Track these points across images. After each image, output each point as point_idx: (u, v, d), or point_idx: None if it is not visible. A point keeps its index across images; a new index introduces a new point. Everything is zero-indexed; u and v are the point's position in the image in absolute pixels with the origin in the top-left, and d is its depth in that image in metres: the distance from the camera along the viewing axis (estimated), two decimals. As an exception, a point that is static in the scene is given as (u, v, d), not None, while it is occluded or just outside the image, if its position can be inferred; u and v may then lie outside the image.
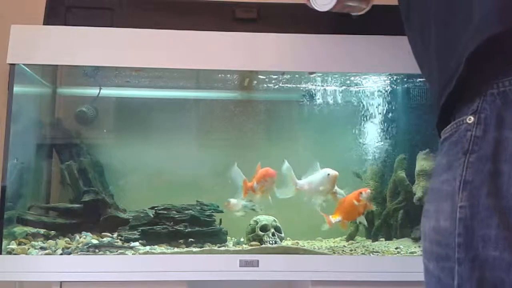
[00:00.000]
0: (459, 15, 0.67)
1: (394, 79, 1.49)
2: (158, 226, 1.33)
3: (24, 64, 1.29)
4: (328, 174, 1.31)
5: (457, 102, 0.68)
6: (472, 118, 0.63)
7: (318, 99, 1.55)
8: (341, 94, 1.55)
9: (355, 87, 1.55)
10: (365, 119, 1.54)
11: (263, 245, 1.32)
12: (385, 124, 1.53)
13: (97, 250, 1.24)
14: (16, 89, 1.26)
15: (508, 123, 0.60)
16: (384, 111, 1.53)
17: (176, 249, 1.28)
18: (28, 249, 1.24)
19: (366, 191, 1.33)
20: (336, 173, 1.31)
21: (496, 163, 0.60)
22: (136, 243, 1.30)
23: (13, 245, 1.24)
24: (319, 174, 1.33)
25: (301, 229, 1.45)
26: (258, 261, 1.21)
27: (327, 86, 1.54)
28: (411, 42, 0.84)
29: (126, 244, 1.29)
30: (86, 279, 1.18)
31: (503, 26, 0.60)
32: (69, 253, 1.22)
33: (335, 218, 1.34)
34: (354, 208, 1.33)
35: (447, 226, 0.64)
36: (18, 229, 1.31)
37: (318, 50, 1.30)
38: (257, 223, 1.36)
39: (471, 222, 0.61)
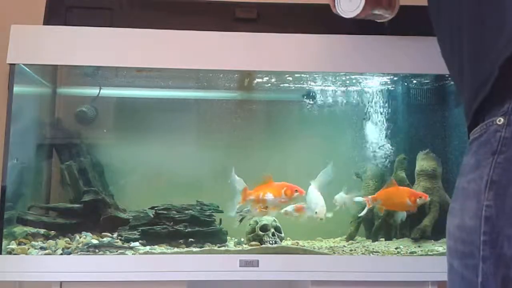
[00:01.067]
0: (492, 21, 0.68)
1: (395, 79, 1.49)
2: (158, 226, 1.33)
3: (24, 64, 1.29)
4: (316, 213, 1.30)
5: (487, 104, 0.69)
6: (502, 120, 0.65)
7: (318, 99, 1.55)
8: (341, 94, 1.55)
9: (355, 87, 1.55)
10: (365, 119, 1.54)
11: (263, 245, 1.32)
12: (385, 124, 1.53)
13: (97, 250, 1.24)
14: (16, 89, 1.26)
15: None
16: (384, 111, 1.53)
17: (176, 249, 1.28)
18: (28, 249, 1.24)
19: (425, 198, 1.33)
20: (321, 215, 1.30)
21: None
22: (136, 243, 1.30)
23: (13, 245, 1.24)
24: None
25: (301, 229, 1.45)
26: (258, 261, 1.21)
27: (327, 86, 1.54)
28: (441, 44, 0.85)
29: (126, 244, 1.29)
30: (86, 279, 1.18)
31: None
32: (69, 253, 1.22)
33: (375, 201, 1.35)
34: (402, 203, 1.33)
35: (472, 224, 0.65)
36: (18, 229, 1.31)
37: (318, 50, 1.31)
38: (257, 223, 1.36)
39: (497, 221, 0.62)
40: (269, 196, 1.29)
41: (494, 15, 0.68)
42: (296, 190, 1.28)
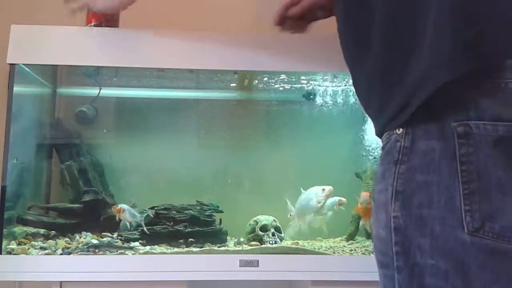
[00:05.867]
0: (414, 44, 0.64)
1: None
2: (158, 226, 1.33)
3: (24, 64, 1.29)
4: (323, 190, 1.33)
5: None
6: (401, 129, 0.64)
7: (318, 99, 1.55)
8: (340, 94, 1.55)
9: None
10: (365, 119, 1.54)
11: (263, 245, 1.32)
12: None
13: (97, 250, 1.24)
14: (16, 89, 1.26)
15: (434, 134, 0.61)
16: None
17: (176, 249, 1.28)
18: (28, 249, 1.24)
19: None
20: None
21: (425, 173, 0.61)
22: (136, 243, 1.30)
23: (13, 245, 1.24)
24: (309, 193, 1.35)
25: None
26: (258, 261, 1.21)
27: (326, 86, 1.54)
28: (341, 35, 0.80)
29: (126, 244, 1.29)
30: (86, 279, 1.18)
31: (454, 75, 0.59)
32: (69, 253, 1.22)
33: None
34: None
35: (384, 235, 0.65)
36: (18, 229, 1.31)
37: (318, 50, 1.30)
38: (257, 223, 1.37)
39: (406, 232, 0.62)
40: None
41: (398, 65, 0.64)
42: None
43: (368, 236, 1.41)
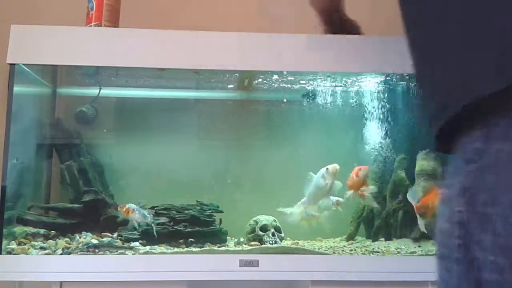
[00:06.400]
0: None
1: (394, 79, 1.49)
2: (158, 226, 1.33)
3: (24, 64, 1.29)
4: (327, 169, 1.32)
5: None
6: (475, 130, 0.66)
7: (318, 99, 1.55)
8: (341, 94, 1.55)
9: (355, 87, 1.55)
10: (365, 119, 1.54)
11: (263, 245, 1.32)
12: (385, 124, 1.53)
13: (97, 250, 1.24)
14: (16, 89, 1.26)
15: (506, 135, 0.63)
16: (384, 111, 1.53)
17: (176, 249, 1.28)
18: (28, 249, 1.24)
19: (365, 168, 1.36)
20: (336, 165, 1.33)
21: (494, 173, 0.63)
22: (136, 243, 1.30)
23: (13, 245, 1.24)
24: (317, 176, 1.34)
25: (301, 229, 1.45)
26: (258, 261, 1.21)
27: (326, 86, 1.54)
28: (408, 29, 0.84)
29: (126, 244, 1.29)
30: (86, 279, 1.18)
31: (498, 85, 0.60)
32: (69, 253, 1.22)
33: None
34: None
35: (447, 228, 0.67)
36: (18, 229, 1.31)
37: (318, 50, 1.30)
38: (257, 223, 1.37)
39: (468, 226, 0.64)
40: None
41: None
42: None
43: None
